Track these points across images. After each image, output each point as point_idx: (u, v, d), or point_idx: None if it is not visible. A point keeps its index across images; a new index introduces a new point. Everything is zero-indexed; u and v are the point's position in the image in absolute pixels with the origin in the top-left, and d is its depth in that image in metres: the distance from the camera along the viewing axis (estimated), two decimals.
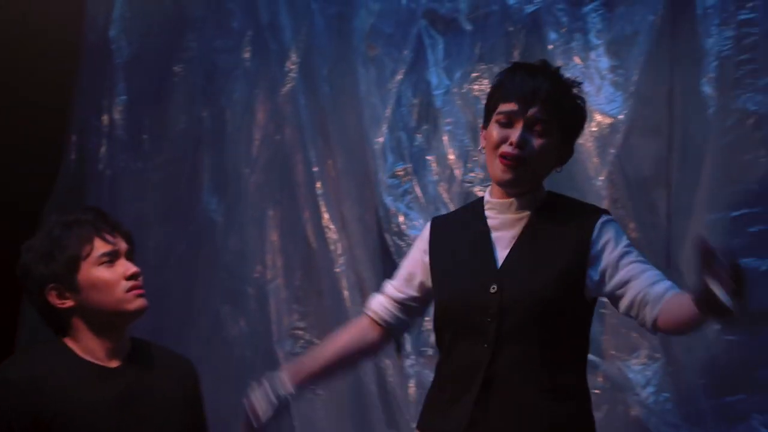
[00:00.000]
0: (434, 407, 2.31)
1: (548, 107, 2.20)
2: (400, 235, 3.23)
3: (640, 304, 2.14)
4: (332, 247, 3.44)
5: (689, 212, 2.91)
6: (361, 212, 3.38)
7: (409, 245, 3.19)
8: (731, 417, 2.78)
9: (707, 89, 2.78)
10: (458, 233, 2.35)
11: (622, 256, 2.19)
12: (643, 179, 2.95)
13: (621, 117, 2.87)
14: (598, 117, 2.93)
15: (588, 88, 2.93)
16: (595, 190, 2.90)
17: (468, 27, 3.23)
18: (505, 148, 2.19)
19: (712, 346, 2.82)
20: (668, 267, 2.89)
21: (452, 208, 3.14)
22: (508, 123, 2.21)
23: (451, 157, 3.19)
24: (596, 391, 2.95)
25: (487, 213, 2.30)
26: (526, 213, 2.26)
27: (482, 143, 2.33)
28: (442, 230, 2.39)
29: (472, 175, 3.18)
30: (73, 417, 2.33)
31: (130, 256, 2.49)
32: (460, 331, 2.24)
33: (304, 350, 3.57)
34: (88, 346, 2.44)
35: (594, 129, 2.93)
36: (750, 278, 2.62)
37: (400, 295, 2.41)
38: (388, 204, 3.22)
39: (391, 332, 2.44)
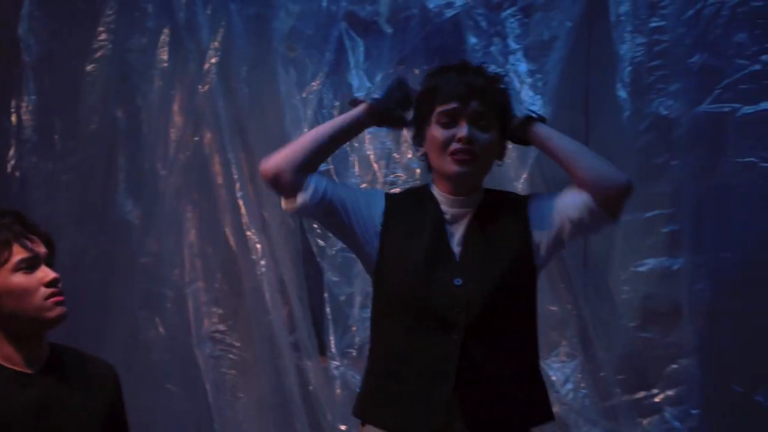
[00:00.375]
0: (393, 402, 2.26)
1: (486, 101, 2.23)
2: (323, 236, 3.22)
3: (578, 203, 2.24)
4: (253, 250, 3.40)
5: None
6: (283, 214, 3.36)
7: (332, 245, 3.21)
8: (646, 411, 2.86)
9: (622, 94, 2.85)
10: (414, 218, 2.32)
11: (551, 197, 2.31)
12: (561, 181, 2.99)
13: None
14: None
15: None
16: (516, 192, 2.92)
17: (388, 30, 3.23)
18: (456, 146, 2.21)
19: (627, 344, 2.90)
20: (585, 267, 2.96)
21: None
22: (450, 122, 2.23)
23: (373, 157, 3.19)
24: None
25: (443, 207, 2.30)
26: (471, 209, 2.28)
27: (423, 149, 2.32)
28: (398, 208, 2.35)
29: (393, 176, 3.19)
30: None
31: (49, 261, 2.41)
32: (422, 322, 2.22)
33: (224, 353, 3.54)
34: (5, 352, 2.36)
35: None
36: (662, 277, 2.74)
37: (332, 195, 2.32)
38: None
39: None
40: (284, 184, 2.30)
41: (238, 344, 3.56)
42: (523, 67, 3.01)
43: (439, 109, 2.24)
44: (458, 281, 2.20)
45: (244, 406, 3.51)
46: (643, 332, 2.90)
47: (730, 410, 2.74)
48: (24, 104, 3.84)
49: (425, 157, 2.33)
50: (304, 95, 3.32)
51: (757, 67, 2.73)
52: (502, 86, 2.32)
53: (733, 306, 2.75)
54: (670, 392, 2.85)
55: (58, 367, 2.42)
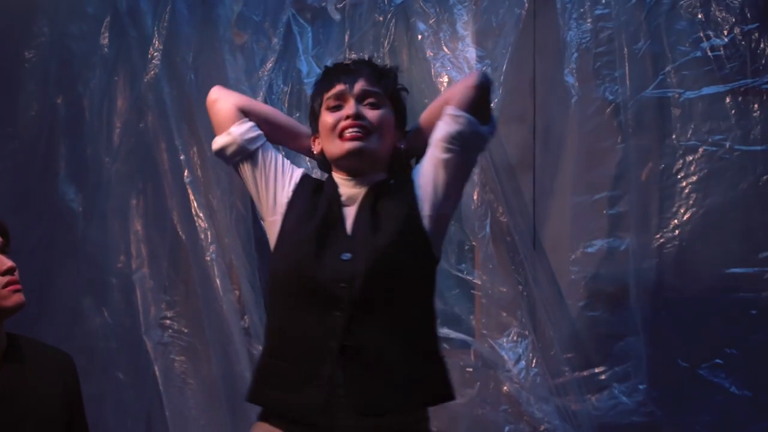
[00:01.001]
0: (279, 382, 2.22)
1: (373, 80, 2.28)
2: None
3: (440, 127, 2.27)
4: (202, 236, 3.37)
5: (552, 195, 3.02)
6: (232, 200, 3.33)
7: None
8: (594, 387, 2.91)
9: (570, 79, 2.89)
10: (313, 200, 2.31)
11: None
12: (508, 165, 3.03)
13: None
14: None
15: (458, 77, 2.99)
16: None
17: (336, 16, 3.22)
18: (343, 123, 2.24)
19: (576, 322, 2.95)
20: (534, 248, 2.99)
21: None
22: (338, 105, 2.27)
23: None
24: (469, 369, 3.04)
25: (340, 190, 2.30)
26: (366, 188, 2.28)
27: (315, 148, 2.40)
28: (305, 188, 2.36)
29: None
30: None
31: (4, 250, 2.36)
32: (308, 299, 2.20)
33: (172, 340, 3.50)
34: None
35: None
36: (609, 257, 2.79)
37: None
38: None
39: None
40: (224, 108, 2.40)
41: (186, 330, 3.52)
42: (471, 53, 3.03)
43: (327, 95, 2.30)
44: (346, 256, 2.17)
45: (194, 392, 3.48)
46: (591, 311, 2.94)
47: (675, 384, 2.80)
48: None
49: (321, 156, 2.38)
50: (253, 81, 3.28)
51: (698, 53, 2.79)
52: (393, 72, 2.38)
53: (676, 284, 2.81)
54: (617, 369, 2.90)
55: (18, 356, 2.39)
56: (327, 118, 2.26)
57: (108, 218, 3.61)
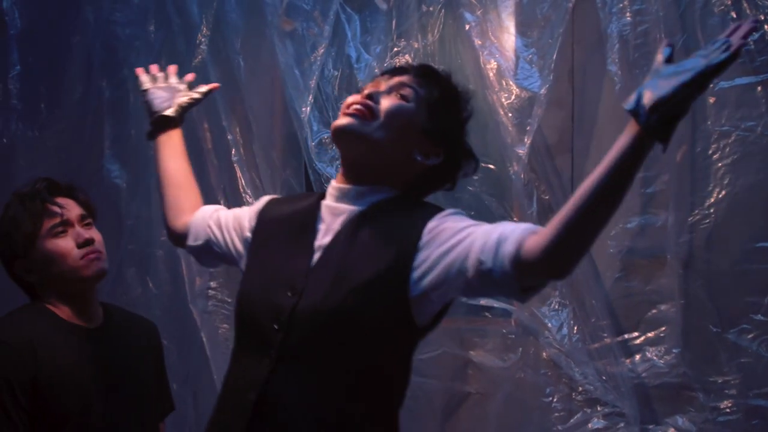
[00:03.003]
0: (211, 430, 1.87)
1: (417, 78, 1.82)
2: None
3: (486, 254, 1.61)
4: None
5: (587, 176, 3.09)
6: (285, 176, 3.35)
7: None
8: (629, 351, 3.00)
9: (612, 68, 2.95)
10: (287, 216, 1.88)
11: (456, 233, 1.67)
12: (548, 147, 3.10)
13: (541, 92, 2.98)
14: (516, 90, 3.04)
15: (505, 65, 3.05)
16: (515, 157, 3.01)
17: (383, 6, 3.25)
18: (349, 99, 1.79)
19: (612, 292, 3.03)
20: None
21: None
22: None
23: None
24: (511, 336, 3.12)
25: (324, 202, 1.83)
26: (358, 206, 1.78)
27: None
28: (274, 209, 1.94)
29: None
30: (65, 377, 2.24)
31: (84, 221, 2.39)
32: (249, 338, 1.80)
33: (216, 308, 3.52)
34: (65, 311, 2.35)
35: (513, 101, 3.04)
36: (644, 233, 2.87)
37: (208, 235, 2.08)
38: (320, 169, 3.21)
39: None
40: (173, 239, 2.26)
41: (229, 300, 3.55)
42: (518, 41, 3.08)
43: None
44: (290, 292, 1.71)
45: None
46: (627, 282, 3.03)
47: (706, 348, 2.90)
48: (9, 75, 3.69)
49: None
50: (304, 66, 3.30)
51: None
52: (450, 82, 1.90)
53: (708, 257, 2.90)
54: (650, 334, 2.99)
55: (113, 323, 2.43)
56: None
57: (152, 194, 3.61)
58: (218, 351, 3.47)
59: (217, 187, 3.50)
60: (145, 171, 3.61)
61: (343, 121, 1.75)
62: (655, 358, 2.98)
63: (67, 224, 2.32)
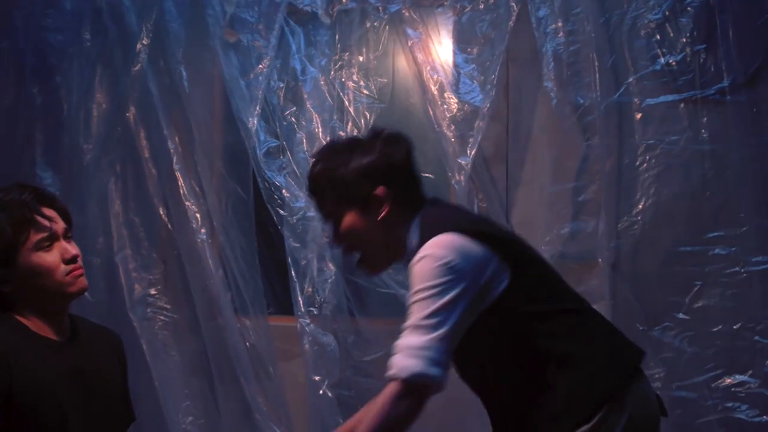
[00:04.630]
0: None
1: (315, 199, 2.09)
2: (283, 206, 3.19)
3: None
4: (192, 219, 3.31)
5: (523, 185, 3.19)
6: (231, 186, 3.29)
7: (292, 214, 3.20)
8: None
9: (548, 84, 3.05)
10: None
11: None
12: (484, 158, 3.17)
13: (484, 106, 3.05)
14: (457, 104, 3.10)
15: (446, 80, 3.11)
16: (458, 167, 3.07)
17: (326, 20, 3.25)
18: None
19: None
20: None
21: None
22: None
23: (320, 133, 3.20)
24: None
25: None
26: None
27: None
28: None
29: None
30: (38, 391, 2.08)
31: (67, 235, 2.25)
32: None
33: (155, 315, 3.42)
34: (35, 324, 2.20)
35: (455, 114, 3.09)
36: (576, 239, 2.97)
37: None
38: (269, 177, 3.17)
39: None
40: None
41: (168, 306, 3.46)
42: (459, 57, 3.14)
43: None
44: None
45: (176, 364, 3.41)
46: None
47: None
48: None
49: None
50: (250, 77, 3.25)
51: (657, 67, 3.03)
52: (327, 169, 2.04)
53: (635, 261, 3.04)
54: None
55: (82, 336, 2.31)
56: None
57: (87, 202, 3.48)
58: (158, 358, 3.37)
59: (155, 194, 3.40)
60: (78, 178, 3.47)
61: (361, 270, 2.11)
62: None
63: (54, 238, 2.15)
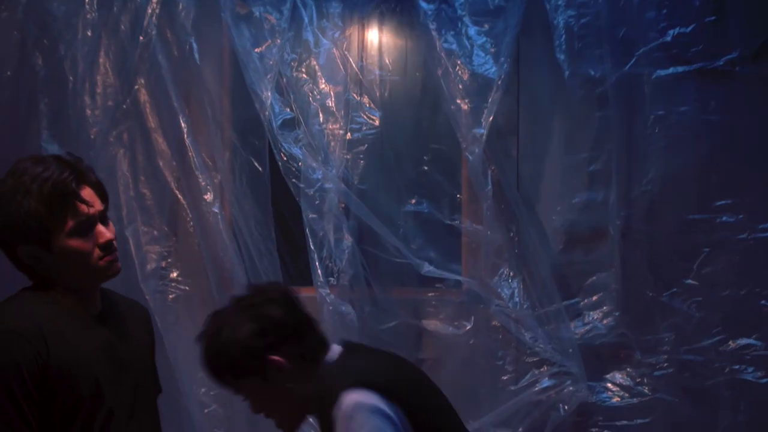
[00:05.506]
0: None
1: (224, 384, 2.15)
2: (299, 177, 3.16)
3: None
4: (206, 192, 3.27)
5: (534, 156, 3.20)
6: (246, 158, 3.25)
7: (309, 185, 3.17)
8: (571, 315, 3.13)
9: (561, 56, 3.06)
10: None
11: None
12: (497, 130, 3.17)
13: (495, 78, 3.05)
14: (471, 76, 3.10)
15: (460, 52, 3.09)
16: (473, 138, 3.07)
17: None
18: None
19: (557, 262, 3.15)
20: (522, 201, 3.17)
21: (338, 151, 3.15)
22: None
23: (334, 106, 3.17)
24: (462, 304, 3.19)
25: None
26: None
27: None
28: None
29: (355, 125, 3.19)
30: (73, 365, 2.03)
31: (104, 218, 2.18)
32: None
33: (167, 288, 3.38)
34: (69, 302, 2.14)
35: (468, 86, 3.09)
36: (587, 209, 3.00)
37: None
38: (286, 149, 3.14)
39: None
40: None
41: (180, 279, 3.41)
42: (472, 30, 3.13)
43: None
44: None
45: (189, 335, 3.36)
46: (570, 252, 3.15)
47: (643, 310, 3.07)
48: None
49: None
50: (262, 49, 3.20)
51: (668, 39, 3.05)
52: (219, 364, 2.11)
53: (645, 229, 3.08)
54: (590, 299, 3.14)
55: (113, 309, 2.26)
56: None
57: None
58: (171, 330, 3.33)
59: (166, 167, 3.35)
60: (86, 151, 3.39)
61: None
62: (595, 321, 3.12)
63: (92, 222, 2.07)
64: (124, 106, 3.39)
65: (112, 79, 3.41)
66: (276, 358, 2.00)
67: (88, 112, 3.40)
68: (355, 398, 1.86)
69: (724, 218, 3.03)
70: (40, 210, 1.99)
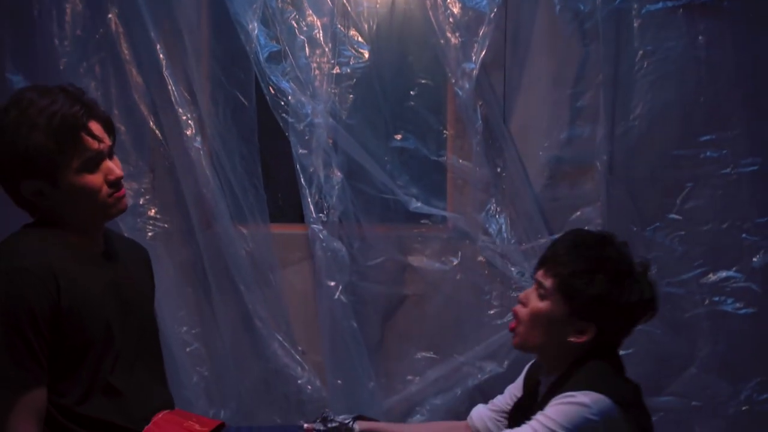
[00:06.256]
0: None
1: (546, 270, 2.04)
2: (287, 111, 3.06)
3: None
4: (185, 126, 3.15)
5: (519, 91, 3.15)
6: (233, 92, 3.13)
7: (299, 120, 3.08)
8: None
9: None
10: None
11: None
12: (483, 64, 3.11)
13: (487, 11, 2.99)
14: (461, 10, 3.04)
15: None
16: (463, 73, 3.01)
17: None
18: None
19: (541, 201, 3.14)
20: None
21: (326, 85, 3.06)
22: None
23: (321, 38, 3.07)
24: (449, 240, 3.16)
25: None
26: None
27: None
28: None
29: (342, 58, 3.10)
30: (83, 306, 1.96)
31: (111, 153, 2.07)
32: None
33: (144, 225, 3.27)
34: (74, 240, 2.04)
35: (458, 20, 3.02)
36: (572, 144, 2.99)
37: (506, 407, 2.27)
38: (274, 82, 3.03)
39: None
40: None
41: (159, 217, 3.30)
42: None
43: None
44: None
45: (168, 273, 3.28)
46: (554, 188, 3.14)
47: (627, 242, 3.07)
48: None
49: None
50: None
51: None
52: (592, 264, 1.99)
53: (630, 164, 3.08)
54: None
55: (115, 247, 2.18)
56: None
57: None
58: None
59: (141, 101, 3.21)
60: (55, 83, 3.21)
61: (513, 337, 2.04)
62: None
63: (101, 157, 1.98)
64: (97, 36, 3.22)
65: (81, 7, 3.23)
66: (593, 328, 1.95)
67: (56, 42, 3.22)
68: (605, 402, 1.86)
69: (708, 153, 3.05)
70: (48, 144, 1.89)
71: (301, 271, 3.23)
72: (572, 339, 1.96)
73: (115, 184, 2.00)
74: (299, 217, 3.41)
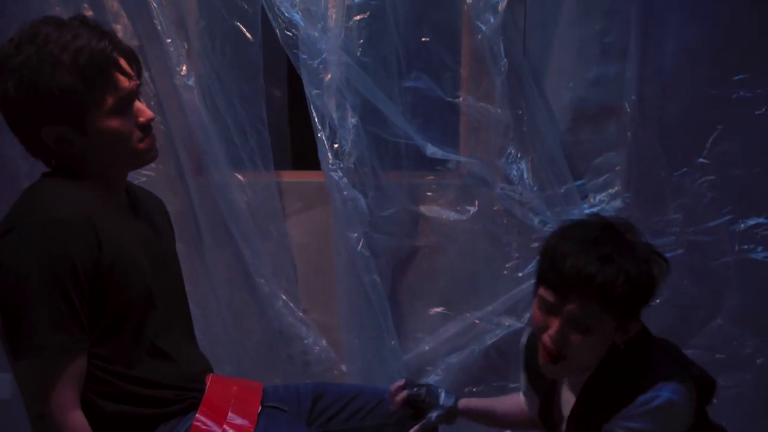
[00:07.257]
0: None
1: (585, 303, 1.75)
2: (299, 48, 2.73)
3: None
4: (175, 61, 2.81)
5: (544, 27, 2.92)
6: (235, 25, 2.79)
7: (312, 57, 2.77)
8: (581, 196, 2.92)
9: None
10: None
11: None
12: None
13: None
14: None
15: None
16: (490, 5, 2.75)
17: None
18: (543, 341, 1.80)
19: (565, 141, 2.92)
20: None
21: (336, 19, 2.75)
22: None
23: None
24: (466, 187, 2.93)
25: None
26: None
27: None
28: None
29: None
30: (122, 261, 1.73)
31: (139, 93, 1.82)
32: None
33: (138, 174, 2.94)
34: (102, 187, 1.81)
35: None
36: (598, 84, 2.78)
37: None
38: (286, 13, 2.70)
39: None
40: None
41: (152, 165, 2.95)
42: None
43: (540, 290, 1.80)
44: None
45: None
46: (577, 131, 2.92)
47: (653, 190, 2.90)
48: None
49: None
50: None
51: None
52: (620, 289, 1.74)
53: (660, 105, 2.87)
54: (597, 180, 2.93)
55: (137, 198, 1.97)
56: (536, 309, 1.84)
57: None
58: None
59: (124, 34, 2.84)
60: (22, 14, 2.82)
61: (547, 369, 1.83)
62: (603, 202, 2.93)
63: (131, 97, 1.76)
64: None
65: None
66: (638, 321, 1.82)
67: None
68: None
69: (741, 93, 2.85)
70: (76, 85, 1.66)
71: (299, 223, 2.95)
72: (620, 341, 1.81)
73: (147, 128, 1.80)
74: (297, 164, 3.13)
